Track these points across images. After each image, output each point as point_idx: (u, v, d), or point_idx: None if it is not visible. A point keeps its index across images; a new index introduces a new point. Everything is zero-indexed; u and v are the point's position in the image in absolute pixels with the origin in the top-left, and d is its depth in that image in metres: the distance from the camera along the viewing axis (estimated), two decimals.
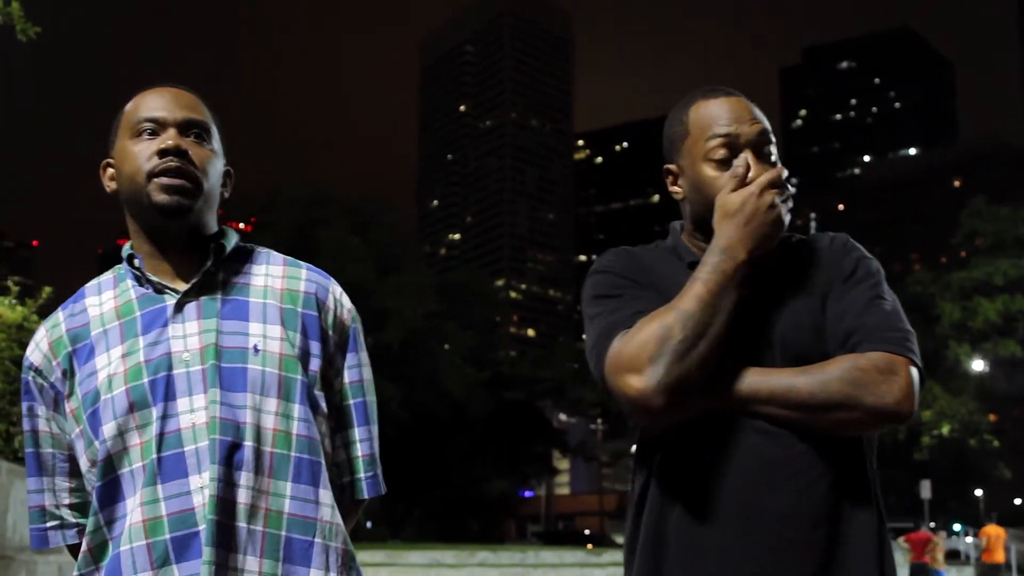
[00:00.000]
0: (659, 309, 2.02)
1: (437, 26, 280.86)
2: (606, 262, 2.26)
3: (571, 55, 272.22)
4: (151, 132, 2.09)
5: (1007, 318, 50.32)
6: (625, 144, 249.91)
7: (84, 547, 1.99)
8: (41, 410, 2.11)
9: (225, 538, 1.90)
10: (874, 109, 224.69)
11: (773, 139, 2.19)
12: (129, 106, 2.15)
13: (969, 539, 43.66)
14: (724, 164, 2.15)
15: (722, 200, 2.09)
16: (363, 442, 2.18)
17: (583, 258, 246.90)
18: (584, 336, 2.21)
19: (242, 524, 1.93)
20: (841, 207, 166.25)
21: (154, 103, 2.12)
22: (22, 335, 7.69)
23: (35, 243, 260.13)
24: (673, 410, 2.01)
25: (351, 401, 2.18)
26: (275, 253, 2.22)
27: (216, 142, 2.16)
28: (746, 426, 2.04)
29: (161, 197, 2.04)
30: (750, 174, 2.11)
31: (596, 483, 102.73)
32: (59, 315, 2.14)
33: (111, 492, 1.97)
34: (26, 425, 2.13)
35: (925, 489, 40.92)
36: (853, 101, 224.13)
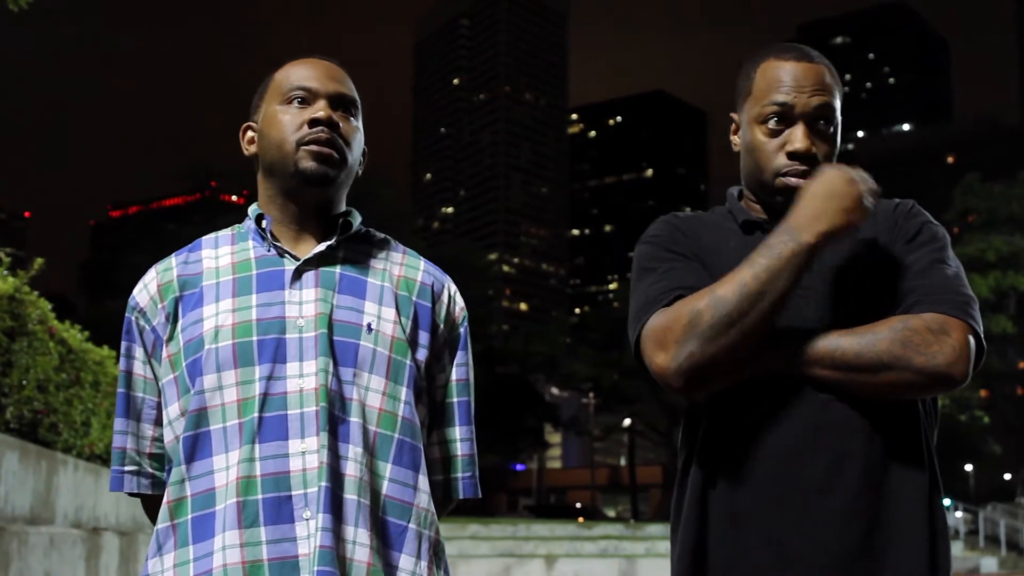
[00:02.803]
0: (702, 290, 1.99)
1: None
2: (651, 232, 2.23)
3: (566, 29, 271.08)
4: (302, 100, 2.11)
5: (999, 294, 50.49)
6: (619, 118, 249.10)
7: (165, 500, 1.98)
8: (139, 352, 2.10)
9: (336, 507, 1.89)
10: (868, 85, 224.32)
11: (836, 111, 2.16)
12: (279, 73, 2.17)
13: (959, 514, 43.88)
14: (775, 131, 2.14)
15: (809, 181, 2.03)
16: (464, 442, 2.20)
17: (576, 232, 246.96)
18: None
19: (351, 496, 1.91)
20: None
21: (307, 73, 2.14)
22: (13, 306, 7.67)
23: (27, 214, 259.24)
24: (694, 391, 2.00)
25: (455, 399, 2.19)
26: (395, 242, 2.23)
27: (360, 119, 2.18)
28: (793, 392, 2.01)
29: (309, 164, 2.06)
30: (797, 145, 2.11)
31: (588, 457, 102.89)
32: (172, 260, 2.13)
33: (199, 445, 1.95)
34: (122, 365, 2.13)
35: None
36: (847, 77, 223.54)
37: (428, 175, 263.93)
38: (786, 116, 2.13)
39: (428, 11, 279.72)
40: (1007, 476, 71.33)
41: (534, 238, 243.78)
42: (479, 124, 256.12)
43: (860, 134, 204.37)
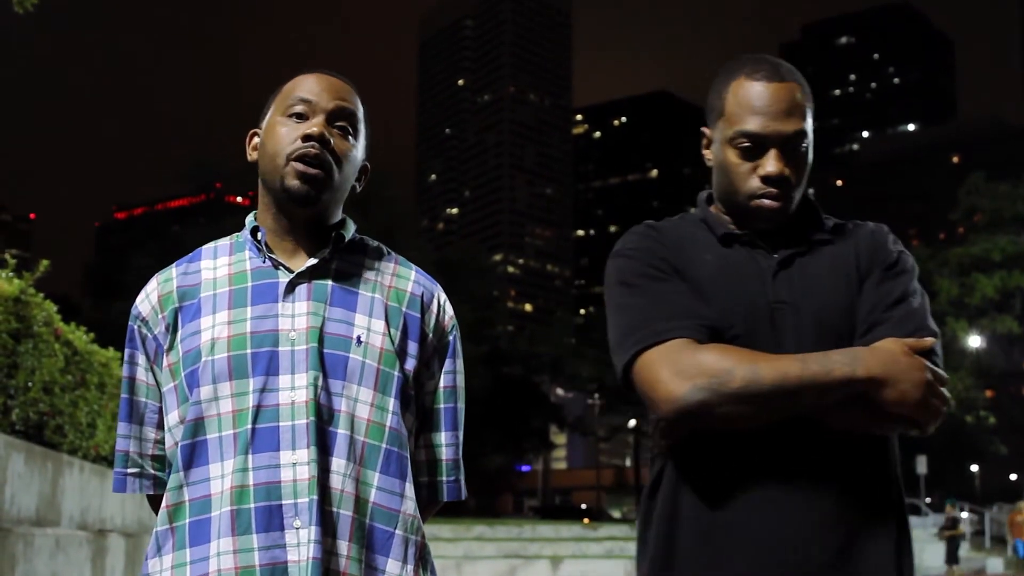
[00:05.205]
0: (743, 351, 2.01)
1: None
2: (631, 245, 2.23)
3: (570, 29, 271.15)
4: (301, 114, 2.15)
5: (1004, 294, 50.34)
6: (624, 119, 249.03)
7: (163, 504, 2.05)
8: (141, 359, 2.17)
9: (323, 519, 1.96)
10: (873, 85, 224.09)
11: (808, 133, 2.17)
12: (288, 84, 2.21)
13: (965, 515, 43.79)
14: (748, 154, 2.15)
15: (895, 346, 2.03)
16: (449, 446, 2.23)
17: (581, 233, 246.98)
18: (609, 320, 2.19)
19: (335, 508, 1.98)
20: (839, 183, 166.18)
21: (310, 87, 2.17)
22: (19, 308, 7.68)
23: (32, 216, 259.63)
24: (681, 426, 2.05)
25: (442, 405, 2.22)
26: (388, 250, 2.28)
27: (361, 137, 2.22)
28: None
29: (294, 183, 2.10)
30: (770, 169, 2.12)
31: (593, 458, 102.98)
32: (172, 271, 2.19)
33: (196, 453, 2.02)
34: (125, 371, 2.20)
35: (921, 464, 41.08)
36: (852, 77, 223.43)
37: (433, 176, 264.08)
38: (759, 143, 2.14)
39: (432, 12, 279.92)
40: (1013, 476, 71.26)
41: (539, 239, 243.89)
42: (483, 125, 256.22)
43: (865, 134, 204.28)
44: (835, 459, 2.03)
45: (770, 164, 2.13)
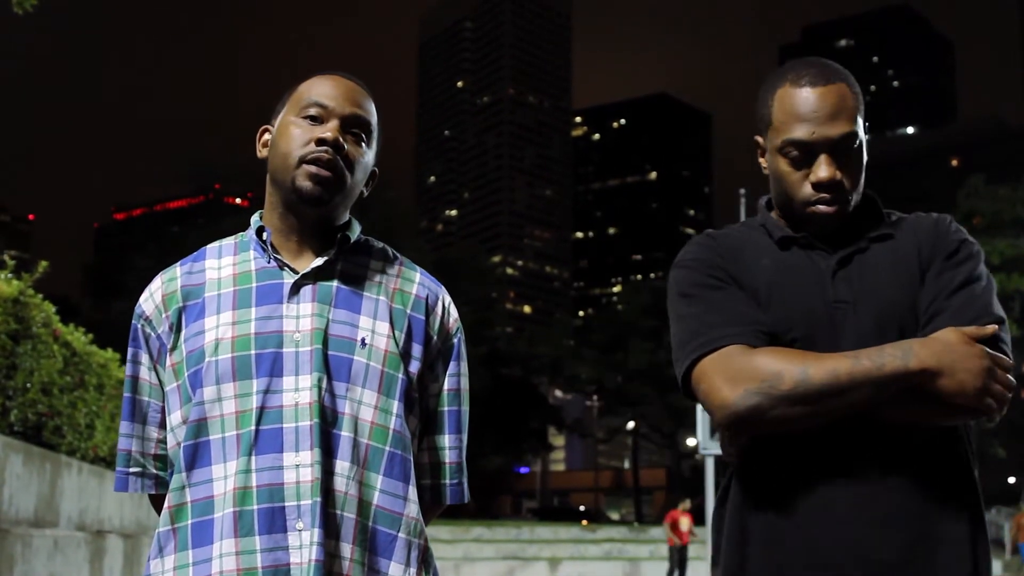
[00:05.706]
0: (794, 352, 2.01)
1: (437, 1, 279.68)
2: (689, 256, 2.24)
3: (569, 31, 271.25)
4: (315, 117, 2.14)
5: (1004, 298, 50.07)
6: (623, 121, 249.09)
7: (166, 504, 2.04)
8: (144, 358, 2.16)
9: (327, 522, 1.96)
10: (873, 88, 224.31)
11: (859, 132, 2.15)
12: (304, 85, 2.21)
13: None
14: (798, 162, 2.15)
15: (952, 336, 2.00)
16: (452, 449, 2.22)
17: (580, 235, 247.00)
18: (671, 331, 2.20)
19: (338, 511, 1.98)
20: None
21: (327, 90, 2.17)
22: (18, 309, 7.68)
23: (31, 217, 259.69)
24: (739, 433, 2.06)
25: (446, 408, 2.22)
26: (393, 252, 2.27)
27: (373, 143, 2.22)
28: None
29: (305, 184, 2.09)
30: (821, 175, 2.12)
31: (591, 459, 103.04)
32: (176, 270, 2.18)
33: (199, 454, 2.01)
34: (128, 370, 2.18)
35: None
36: None
37: (432, 178, 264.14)
38: (807, 150, 2.14)
39: (432, 13, 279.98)
40: (1011, 479, 71.26)
41: (538, 240, 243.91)
42: (483, 127, 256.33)
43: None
44: (901, 455, 2.02)
45: (821, 170, 2.12)
